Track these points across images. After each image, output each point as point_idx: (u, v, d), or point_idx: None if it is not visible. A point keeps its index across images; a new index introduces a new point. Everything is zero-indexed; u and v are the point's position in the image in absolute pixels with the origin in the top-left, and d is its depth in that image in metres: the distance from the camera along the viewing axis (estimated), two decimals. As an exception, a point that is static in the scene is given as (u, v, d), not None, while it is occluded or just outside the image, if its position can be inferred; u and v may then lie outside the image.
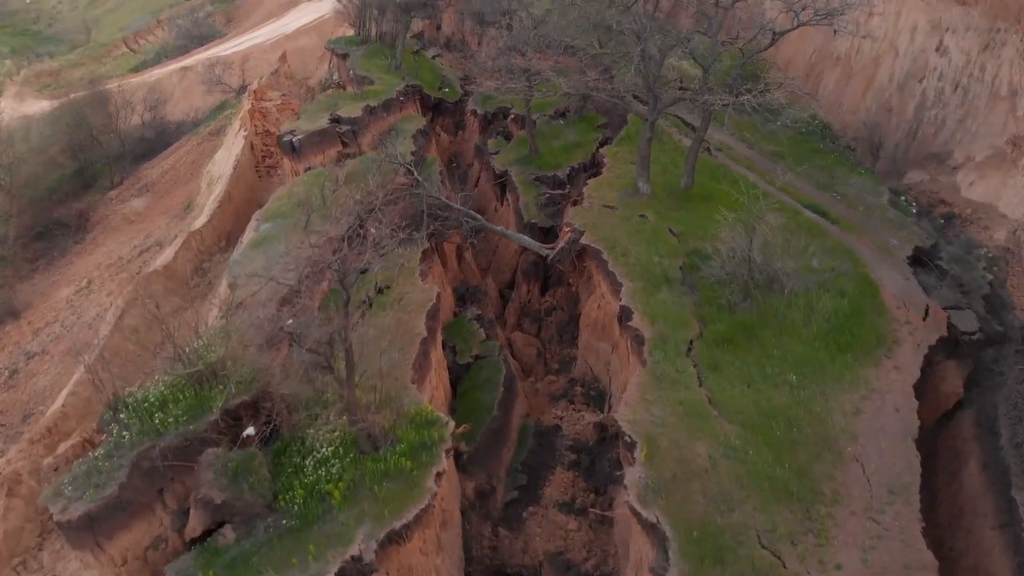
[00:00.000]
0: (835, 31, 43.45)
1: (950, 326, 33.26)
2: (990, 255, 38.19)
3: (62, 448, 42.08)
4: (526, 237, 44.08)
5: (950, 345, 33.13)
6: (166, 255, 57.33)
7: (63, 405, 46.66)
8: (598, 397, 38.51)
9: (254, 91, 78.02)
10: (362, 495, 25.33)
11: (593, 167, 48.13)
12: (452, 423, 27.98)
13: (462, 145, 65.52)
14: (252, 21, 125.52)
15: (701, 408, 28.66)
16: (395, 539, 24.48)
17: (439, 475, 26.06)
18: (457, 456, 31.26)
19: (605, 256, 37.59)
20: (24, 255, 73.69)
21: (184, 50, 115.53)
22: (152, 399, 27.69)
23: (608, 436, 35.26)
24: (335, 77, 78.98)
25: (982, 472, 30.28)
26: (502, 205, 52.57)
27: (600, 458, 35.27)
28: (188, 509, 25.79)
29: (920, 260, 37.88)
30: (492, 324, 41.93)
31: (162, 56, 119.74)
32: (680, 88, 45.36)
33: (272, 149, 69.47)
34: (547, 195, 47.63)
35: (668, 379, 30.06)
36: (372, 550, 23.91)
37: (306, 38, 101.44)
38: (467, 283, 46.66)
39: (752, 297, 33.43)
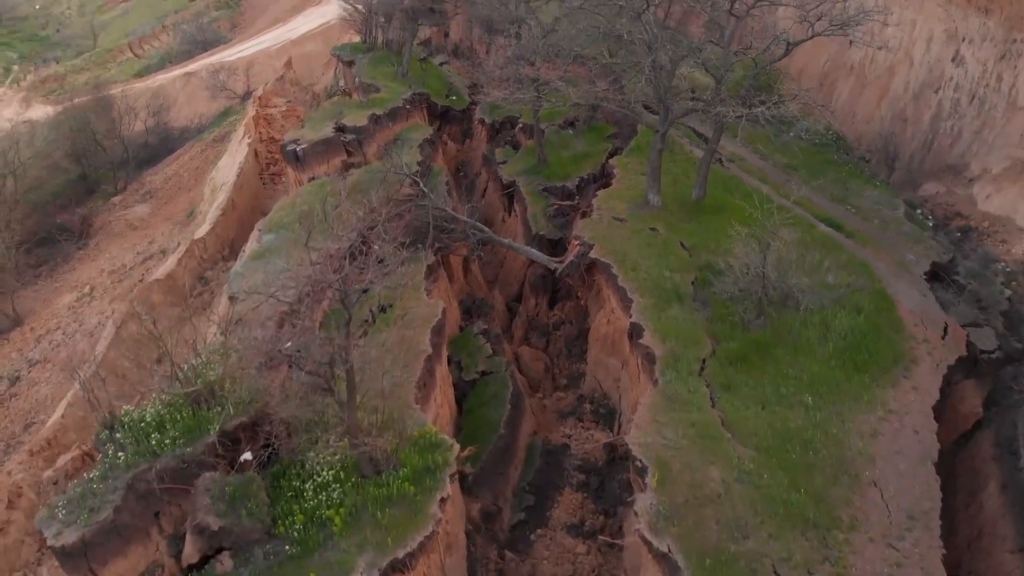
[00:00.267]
0: (851, 42, 42.63)
1: (969, 344, 32.38)
2: (1008, 269, 37.36)
3: (61, 461, 41.69)
4: (534, 250, 43.31)
5: (969, 364, 32.25)
6: (168, 264, 56.87)
7: (62, 416, 46.26)
8: (608, 415, 37.66)
9: (259, 97, 77.51)
10: (364, 521, 24.48)
11: (603, 178, 47.30)
12: (457, 446, 27.14)
13: (470, 154, 64.82)
14: (257, 27, 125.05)
15: (714, 430, 27.75)
16: (398, 568, 23.61)
17: (443, 501, 25.24)
18: (462, 477, 30.47)
19: (615, 270, 36.72)
20: (27, 261, 73.54)
21: (188, 55, 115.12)
22: (149, 419, 26.85)
23: (618, 456, 34.44)
24: (341, 84, 78.51)
25: (1001, 494, 29.45)
26: (510, 216, 51.87)
27: (610, 479, 34.43)
28: (184, 534, 25.05)
29: (937, 275, 37.04)
30: (499, 339, 41.12)
31: (166, 61, 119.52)
32: (692, 98, 44.56)
33: (277, 156, 68.78)
34: (555, 206, 46.94)
35: (680, 400, 29.18)
36: (374, 579, 23.12)
37: (312, 44, 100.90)
38: (474, 296, 45.88)
39: (766, 314, 32.57)
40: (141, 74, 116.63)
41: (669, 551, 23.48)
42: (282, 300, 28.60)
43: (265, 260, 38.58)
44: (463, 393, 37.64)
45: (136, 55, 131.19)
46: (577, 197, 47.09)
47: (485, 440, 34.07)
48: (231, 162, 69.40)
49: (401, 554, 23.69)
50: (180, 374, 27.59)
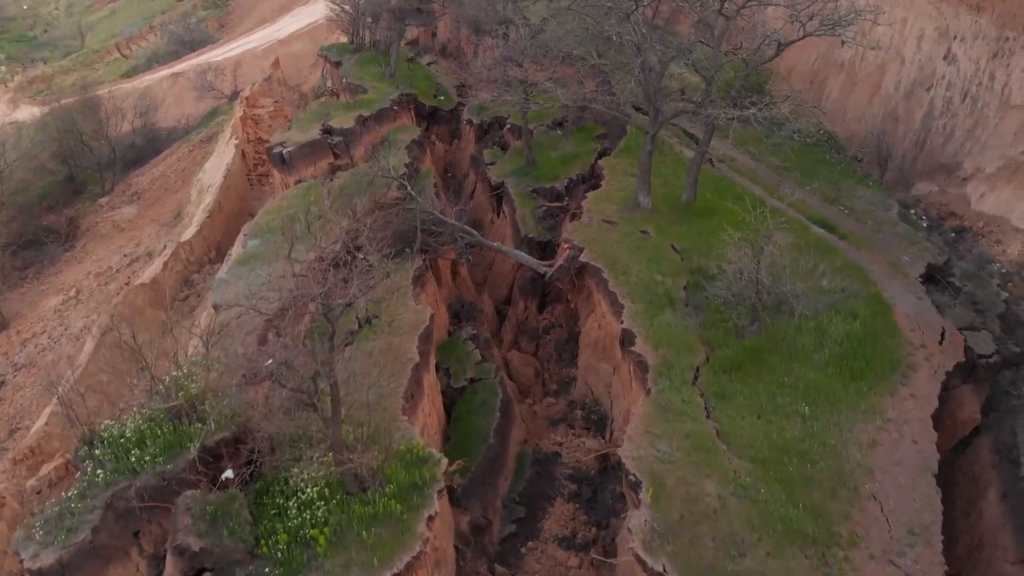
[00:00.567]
0: (843, 42, 42.02)
1: (967, 349, 31.78)
2: (1004, 271, 36.77)
3: (45, 469, 41.00)
4: (523, 254, 42.67)
5: (967, 369, 31.65)
6: (153, 268, 56.18)
7: (46, 424, 45.57)
8: (599, 421, 36.97)
9: (246, 97, 76.99)
10: (349, 541, 23.77)
11: (592, 179, 46.74)
12: (445, 461, 26.42)
13: (458, 154, 64.21)
14: (245, 26, 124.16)
15: (709, 442, 27.08)
16: (385, 588, 23.02)
17: (431, 518, 24.54)
18: (451, 490, 29.77)
19: (606, 275, 36.06)
20: (13, 263, 73.05)
21: (176, 56, 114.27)
22: (129, 434, 26.21)
23: (610, 465, 33.77)
24: (328, 84, 77.85)
25: (1001, 503, 28.83)
26: (498, 217, 51.24)
27: (602, 489, 33.71)
28: (165, 554, 24.37)
29: (932, 277, 36.48)
30: (488, 343, 40.41)
31: (153, 62, 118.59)
32: (682, 99, 43.96)
33: (264, 157, 68.07)
34: (544, 207, 46.32)
35: (674, 410, 28.49)
36: (360, 601, 22.44)
37: (299, 44, 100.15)
38: (462, 299, 45.15)
39: (760, 320, 31.91)
40: (128, 74, 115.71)
41: (664, 571, 22.84)
42: (264, 313, 27.88)
43: (249, 267, 37.94)
44: (452, 400, 36.87)
45: (124, 55, 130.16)
46: (566, 198, 46.53)
47: (474, 450, 33.35)
48: (218, 163, 68.75)
49: (388, 575, 23.03)
50: (161, 388, 26.91)
